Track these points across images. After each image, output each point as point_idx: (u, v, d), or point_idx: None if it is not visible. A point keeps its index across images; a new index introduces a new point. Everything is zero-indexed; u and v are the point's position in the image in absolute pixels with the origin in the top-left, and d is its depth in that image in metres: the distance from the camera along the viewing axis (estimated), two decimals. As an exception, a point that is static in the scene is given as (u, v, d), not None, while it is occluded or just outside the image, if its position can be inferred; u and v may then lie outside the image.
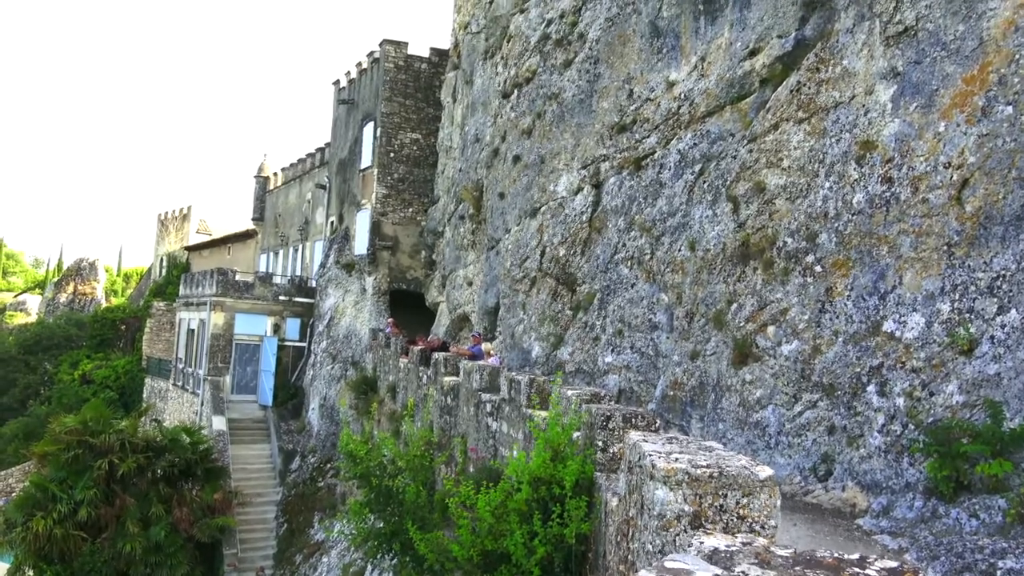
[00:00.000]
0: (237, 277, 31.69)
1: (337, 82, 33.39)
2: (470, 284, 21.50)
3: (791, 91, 10.71)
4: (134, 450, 21.22)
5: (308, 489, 25.02)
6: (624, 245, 14.08)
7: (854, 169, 9.46)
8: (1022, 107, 7.68)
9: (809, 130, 10.30)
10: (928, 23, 8.76)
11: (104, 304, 59.39)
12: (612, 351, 13.75)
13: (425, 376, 17.11)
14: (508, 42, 19.80)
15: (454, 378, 14.64)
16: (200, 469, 22.68)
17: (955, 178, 8.22)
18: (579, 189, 15.82)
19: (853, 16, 9.94)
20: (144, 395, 38.87)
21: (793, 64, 10.82)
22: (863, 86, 9.57)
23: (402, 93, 28.63)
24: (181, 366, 34.01)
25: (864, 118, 9.46)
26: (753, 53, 11.61)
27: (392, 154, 28.43)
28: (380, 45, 28.83)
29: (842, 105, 9.85)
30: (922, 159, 8.61)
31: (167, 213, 62.25)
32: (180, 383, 33.93)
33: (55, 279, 67.46)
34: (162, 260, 60.80)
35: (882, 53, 9.33)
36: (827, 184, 9.83)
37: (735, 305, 11.00)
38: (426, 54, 29.25)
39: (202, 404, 30.11)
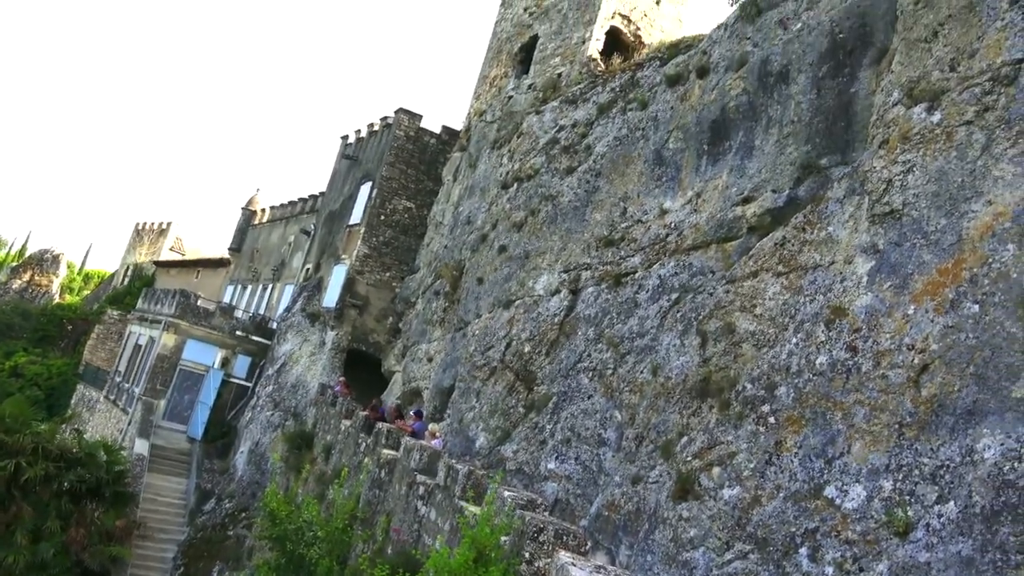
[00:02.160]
0: (199, 303, 31.12)
1: (345, 137, 33.97)
2: (430, 360, 21.30)
3: (776, 244, 11.08)
4: (46, 457, 20.23)
5: (216, 535, 23.80)
6: (589, 355, 14.13)
7: (822, 331, 9.70)
8: (987, 309, 8.00)
9: (786, 284, 10.60)
10: (913, 210, 9.20)
11: (56, 300, 57.74)
12: (556, 458, 13.57)
13: (364, 444, 16.68)
14: (518, 137, 20.40)
15: (392, 452, 14.30)
16: (110, 491, 21.58)
17: (916, 361, 8.44)
18: (556, 291, 16.00)
19: (845, 188, 10.43)
20: (72, 401, 37.28)
21: (782, 219, 11.25)
22: (843, 255, 9.94)
23: (405, 161, 29.13)
24: (119, 380, 32.87)
25: (840, 285, 9.78)
26: (746, 200, 12.07)
27: (383, 216, 28.65)
28: (395, 112, 29.51)
29: (821, 268, 10.18)
30: (888, 336, 8.86)
31: (145, 224, 61.61)
32: (113, 397, 32.68)
33: (14, 263, 65.71)
34: (128, 269, 59.73)
35: (866, 228, 9.74)
36: (794, 340, 10.05)
37: (685, 438, 10.99)
38: (437, 130, 29.98)
39: (130, 423, 28.92)
